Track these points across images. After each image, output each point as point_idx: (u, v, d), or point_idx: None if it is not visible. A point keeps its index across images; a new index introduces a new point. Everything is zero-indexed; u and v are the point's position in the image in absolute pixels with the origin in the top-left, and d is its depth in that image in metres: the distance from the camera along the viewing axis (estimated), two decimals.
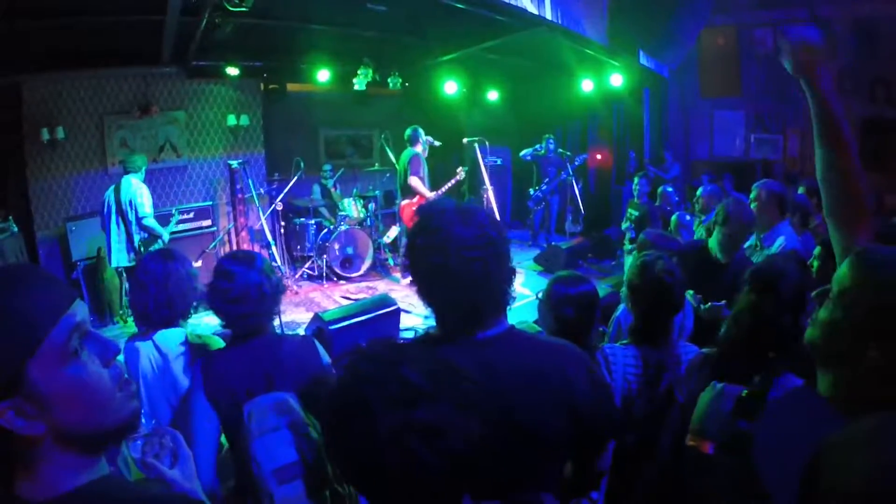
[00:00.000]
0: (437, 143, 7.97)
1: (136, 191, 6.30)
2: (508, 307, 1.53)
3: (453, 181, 8.12)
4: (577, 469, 1.61)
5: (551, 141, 9.88)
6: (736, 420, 1.60)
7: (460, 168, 8.17)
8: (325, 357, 2.37)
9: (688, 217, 5.61)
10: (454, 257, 1.38)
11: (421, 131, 7.85)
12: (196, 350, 2.48)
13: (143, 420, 1.55)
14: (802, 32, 1.60)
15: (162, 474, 1.31)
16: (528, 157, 9.89)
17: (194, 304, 2.60)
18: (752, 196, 3.92)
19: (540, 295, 2.58)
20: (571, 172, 9.32)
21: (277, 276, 2.35)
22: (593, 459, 1.62)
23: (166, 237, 6.52)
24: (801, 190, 5.22)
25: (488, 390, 1.33)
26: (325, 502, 1.98)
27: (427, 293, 1.49)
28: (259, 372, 2.18)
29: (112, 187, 6.43)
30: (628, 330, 2.56)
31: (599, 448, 1.61)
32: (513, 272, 1.50)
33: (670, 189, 7.64)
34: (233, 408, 2.11)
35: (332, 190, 9.44)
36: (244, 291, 2.18)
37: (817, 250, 2.90)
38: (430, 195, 7.58)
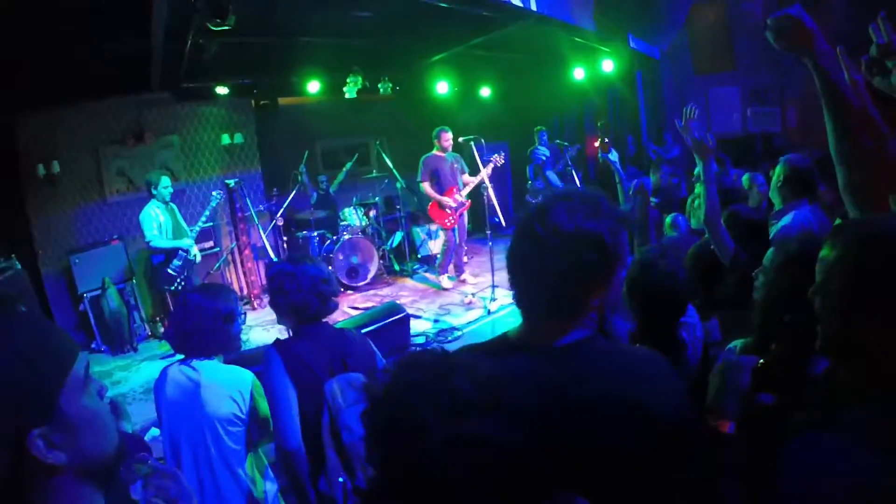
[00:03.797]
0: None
1: (141, 215, 6.55)
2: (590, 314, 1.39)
3: (485, 172, 7.69)
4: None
5: (543, 134, 9.83)
6: (755, 393, 1.51)
7: (496, 155, 8.00)
8: (377, 352, 2.78)
9: (681, 218, 5.49)
10: (549, 244, 1.29)
11: (439, 131, 8.10)
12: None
13: (149, 458, 1.51)
14: (794, 12, 1.56)
15: None
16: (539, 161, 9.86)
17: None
18: (775, 169, 3.71)
19: None
20: (570, 163, 9.25)
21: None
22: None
23: (188, 245, 6.64)
24: None
25: (552, 407, 1.25)
26: None
27: (519, 289, 1.40)
28: (336, 355, 2.53)
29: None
30: (628, 336, 2.25)
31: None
32: (606, 277, 1.35)
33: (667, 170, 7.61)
34: (312, 385, 2.42)
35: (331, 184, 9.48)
36: (318, 275, 2.57)
37: (838, 223, 2.78)
38: (438, 197, 7.98)
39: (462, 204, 8.07)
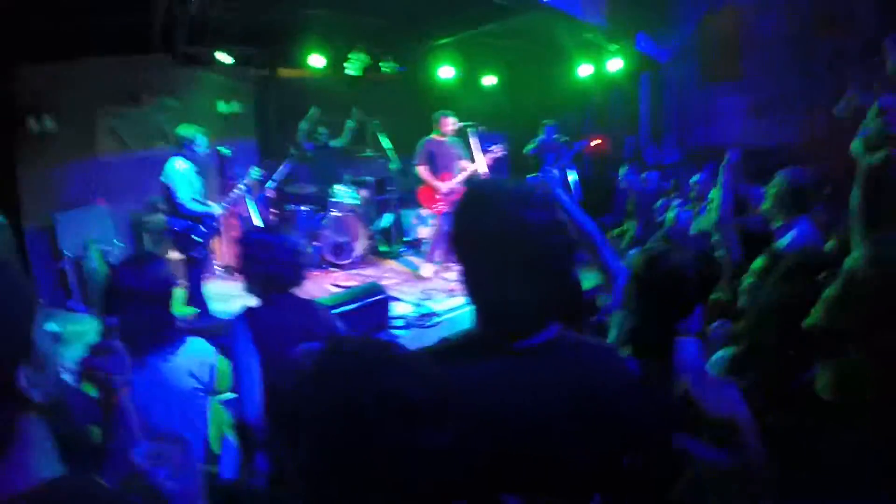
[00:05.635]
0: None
1: (172, 174, 5.77)
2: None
3: (481, 162, 7.78)
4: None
5: (549, 128, 9.74)
6: None
7: (495, 146, 7.91)
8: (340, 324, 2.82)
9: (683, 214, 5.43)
10: (533, 243, 1.21)
11: (440, 115, 7.82)
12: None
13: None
14: None
15: (154, 483, 1.20)
16: (534, 152, 9.76)
17: None
18: (772, 183, 3.63)
19: None
20: (570, 161, 9.22)
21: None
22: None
23: (216, 212, 6.11)
24: None
25: (520, 410, 1.21)
26: None
27: (483, 286, 1.30)
28: (304, 322, 2.58)
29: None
30: (626, 337, 2.03)
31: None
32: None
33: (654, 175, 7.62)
34: (280, 354, 2.32)
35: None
36: (293, 247, 2.66)
37: (832, 243, 2.74)
38: (435, 184, 7.77)
39: (454, 191, 7.85)
